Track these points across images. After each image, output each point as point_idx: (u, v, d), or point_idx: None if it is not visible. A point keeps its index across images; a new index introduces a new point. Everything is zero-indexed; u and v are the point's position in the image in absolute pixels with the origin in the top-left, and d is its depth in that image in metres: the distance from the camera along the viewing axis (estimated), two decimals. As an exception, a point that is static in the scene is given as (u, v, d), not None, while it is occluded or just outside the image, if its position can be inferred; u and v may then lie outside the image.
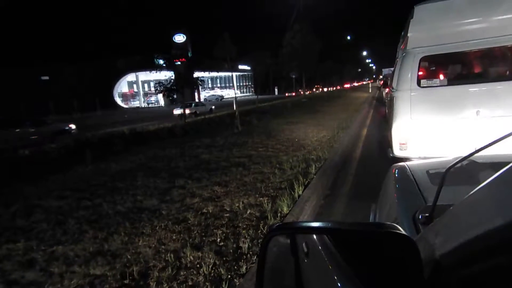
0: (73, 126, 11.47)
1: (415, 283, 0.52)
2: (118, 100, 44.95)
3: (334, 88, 60.06)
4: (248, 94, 58.56)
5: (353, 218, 3.34)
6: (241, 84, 61.94)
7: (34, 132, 10.36)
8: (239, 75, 59.31)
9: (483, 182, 0.58)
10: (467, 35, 3.47)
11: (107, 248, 2.82)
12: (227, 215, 3.39)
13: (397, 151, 3.88)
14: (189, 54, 26.78)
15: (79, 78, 38.21)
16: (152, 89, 27.36)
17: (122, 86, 46.09)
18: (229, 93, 50.30)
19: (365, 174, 4.89)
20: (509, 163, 0.55)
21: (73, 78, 37.74)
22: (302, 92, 35.43)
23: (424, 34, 3.68)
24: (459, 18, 3.50)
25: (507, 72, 3.62)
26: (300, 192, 3.89)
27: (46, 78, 37.03)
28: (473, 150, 0.88)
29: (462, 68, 3.91)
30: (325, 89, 57.65)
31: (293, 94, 37.40)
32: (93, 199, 4.21)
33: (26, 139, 9.83)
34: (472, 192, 0.60)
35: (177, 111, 19.08)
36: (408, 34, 3.75)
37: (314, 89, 54.72)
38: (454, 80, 3.74)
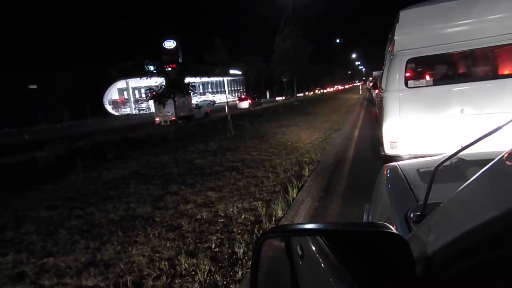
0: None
1: (408, 281, 0.53)
2: (109, 108, 44.41)
3: (332, 89, 63.31)
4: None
5: (349, 219, 3.36)
6: (232, 88, 61.93)
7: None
8: (230, 80, 59.33)
9: (470, 178, 0.59)
10: (450, 37, 3.61)
11: (99, 258, 2.76)
12: (222, 220, 3.37)
13: (388, 149, 3.95)
14: (180, 60, 26.69)
15: (68, 86, 37.68)
16: (143, 95, 27.18)
17: (112, 93, 45.57)
18: (220, 98, 50.27)
19: (358, 175, 4.92)
20: (493, 159, 0.56)
21: (62, 85, 37.18)
22: (314, 92, 36.02)
23: (410, 37, 3.80)
24: (442, 21, 3.65)
25: (488, 72, 3.74)
26: (294, 195, 3.89)
27: (34, 86, 36.32)
28: (460, 148, 0.89)
29: (447, 69, 4.06)
30: (324, 91, 60.97)
31: (306, 93, 38.59)
32: (85, 208, 4.13)
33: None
34: (459, 189, 0.61)
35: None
36: (395, 37, 3.87)
37: (315, 91, 56.72)
38: (439, 80, 3.87)
